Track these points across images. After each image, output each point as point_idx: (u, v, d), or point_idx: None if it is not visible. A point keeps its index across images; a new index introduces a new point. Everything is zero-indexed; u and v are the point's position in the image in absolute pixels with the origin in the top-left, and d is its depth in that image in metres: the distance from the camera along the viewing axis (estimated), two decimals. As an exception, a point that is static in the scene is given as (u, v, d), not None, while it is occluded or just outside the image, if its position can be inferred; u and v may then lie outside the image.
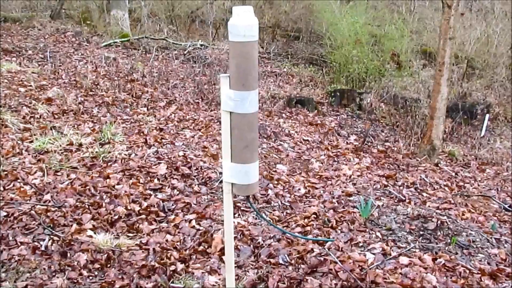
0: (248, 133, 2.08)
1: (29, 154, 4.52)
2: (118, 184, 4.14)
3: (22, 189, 3.82)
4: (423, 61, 12.28)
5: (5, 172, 4.06)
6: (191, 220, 3.70)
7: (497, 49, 12.29)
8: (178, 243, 3.36)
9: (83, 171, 4.34)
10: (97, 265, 2.99)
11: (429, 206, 4.63)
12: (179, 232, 3.52)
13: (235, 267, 3.09)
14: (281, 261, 3.23)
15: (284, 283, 2.96)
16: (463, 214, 4.47)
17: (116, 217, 3.61)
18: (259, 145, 5.98)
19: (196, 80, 8.73)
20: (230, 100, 2.04)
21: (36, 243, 3.12)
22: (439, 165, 6.64)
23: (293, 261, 3.24)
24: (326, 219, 3.96)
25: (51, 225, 3.37)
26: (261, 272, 3.07)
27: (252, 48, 2.00)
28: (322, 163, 5.82)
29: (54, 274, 2.85)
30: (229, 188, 2.18)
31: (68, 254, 3.05)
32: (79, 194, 3.88)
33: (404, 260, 3.34)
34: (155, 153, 4.96)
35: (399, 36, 10.93)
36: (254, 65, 2.03)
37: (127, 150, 4.95)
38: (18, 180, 3.98)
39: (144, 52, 10.53)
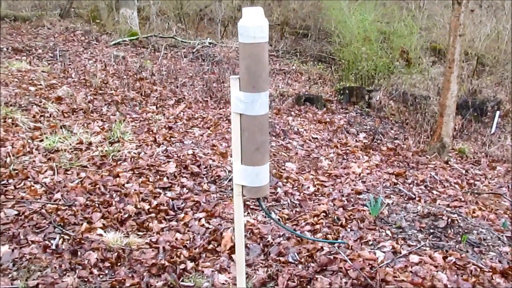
0: (258, 135, 2.05)
1: (39, 153, 4.54)
2: (127, 182, 4.16)
3: (32, 188, 3.84)
4: (433, 58, 12.21)
5: (16, 171, 4.09)
6: (200, 218, 3.70)
7: (507, 45, 12.20)
8: (188, 242, 3.37)
9: (93, 169, 4.36)
10: (107, 264, 3.00)
11: (439, 204, 4.60)
12: (188, 231, 3.53)
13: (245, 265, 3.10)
14: (290, 260, 3.23)
15: (294, 282, 2.95)
16: (473, 212, 4.44)
17: (126, 215, 3.63)
18: (268, 143, 5.96)
19: (204, 78, 8.74)
20: (240, 102, 2.00)
21: (46, 242, 3.14)
22: (449, 162, 6.60)
23: (302, 260, 3.23)
24: (335, 217, 3.95)
25: (62, 224, 3.39)
26: (270, 270, 3.06)
27: (263, 49, 1.96)
28: (331, 161, 5.80)
29: (64, 272, 2.86)
30: (239, 190, 2.15)
31: (79, 253, 3.07)
32: (89, 192, 3.90)
33: (414, 258, 3.32)
34: (164, 152, 4.98)
35: (408, 33, 10.87)
36: (264, 66, 1.98)
37: (136, 149, 4.97)
38: (29, 179, 4.00)
39: (153, 51, 10.56)
